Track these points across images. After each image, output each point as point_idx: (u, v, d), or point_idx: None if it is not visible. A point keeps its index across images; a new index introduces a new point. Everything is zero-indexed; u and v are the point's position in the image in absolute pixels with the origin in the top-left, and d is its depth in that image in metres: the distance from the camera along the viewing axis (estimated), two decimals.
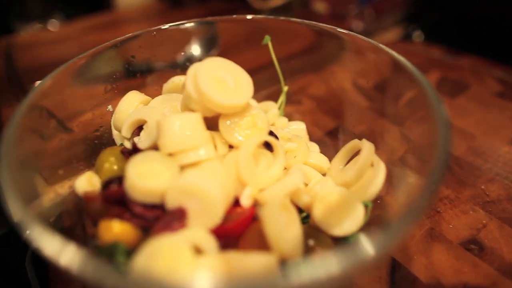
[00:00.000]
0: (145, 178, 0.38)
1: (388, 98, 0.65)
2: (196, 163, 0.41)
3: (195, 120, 0.41)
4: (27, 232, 0.28)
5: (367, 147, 0.46)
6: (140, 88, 0.60)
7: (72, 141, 0.48)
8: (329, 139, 0.65)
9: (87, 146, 0.50)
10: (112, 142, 0.53)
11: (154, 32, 0.61)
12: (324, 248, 0.40)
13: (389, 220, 0.45)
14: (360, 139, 0.59)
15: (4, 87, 0.89)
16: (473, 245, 0.51)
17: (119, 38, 0.59)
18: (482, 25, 1.00)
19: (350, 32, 0.57)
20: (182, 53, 0.73)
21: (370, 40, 0.55)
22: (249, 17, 0.70)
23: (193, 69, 0.43)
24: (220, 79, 0.42)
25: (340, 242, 0.42)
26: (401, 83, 0.52)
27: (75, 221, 0.42)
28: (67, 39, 1.10)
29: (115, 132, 0.53)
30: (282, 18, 0.64)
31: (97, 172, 0.46)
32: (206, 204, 0.36)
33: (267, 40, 0.57)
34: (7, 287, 0.60)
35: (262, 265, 0.33)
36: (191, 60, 0.75)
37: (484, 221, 0.54)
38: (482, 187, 0.59)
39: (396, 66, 0.49)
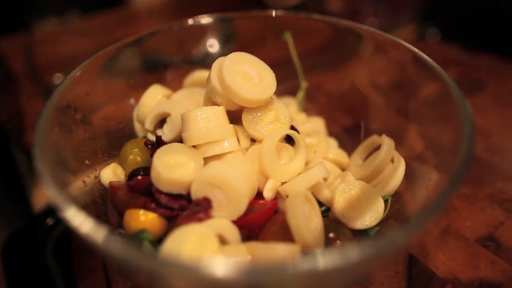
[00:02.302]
0: (171, 169, 0.39)
1: (407, 96, 0.65)
2: (219, 155, 0.42)
3: (220, 113, 0.42)
4: (65, 213, 0.29)
5: (387, 142, 0.46)
6: (159, 82, 0.61)
7: (96, 133, 0.49)
8: (346, 135, 0.65)
9: (110, 138, 0.51)
10: (134, 135, 0.55)
11: (175, 28, 0.62)
12: (344, 241, 0.40)
13: (407, 215, 0.46)
14: (379, 135, 0.59)
15: (25, 81, 0.91)
16: (489, 242, 0.51)
17: (140, 33, 0.60)
18: (499, 23, 1.00)
19: (370, 28, 0.58)
20: (200, 49, 0.73)
21: (390, 36, 0.55)
22: (268, 13, 0.71)
23: (218, 63, 0.44)
24: (244, 73, 0.43)
25: (360, 235, 0.43)
26: (421, 80, 0.52)
27: (99, 211, 0.44)
28: (85, 35, 1.12)
29: (137, 125, 0.54)
30: (302, 14, 0.64)
31: (121, 163, 0.47)
32: (231, 196, 0.37)
33: (288, 36, 0.58)
34: (29, 277, 0.62)
35: (286, 254, 0.34)
36: (208, 55, 0.76)
37: (501, 219, 0.54)
38: (500, 185, 0.59)
39: (417, 62, 0.50)
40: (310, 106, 0.72)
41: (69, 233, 0.66)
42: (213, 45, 0.75)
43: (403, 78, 0.66)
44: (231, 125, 0.43)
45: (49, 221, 0.67)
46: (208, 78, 0.44)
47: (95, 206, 0.43)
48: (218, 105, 0.44)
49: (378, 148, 0.53)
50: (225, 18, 0.69)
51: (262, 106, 0.44)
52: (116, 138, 0.52)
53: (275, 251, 0.34)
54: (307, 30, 0.69)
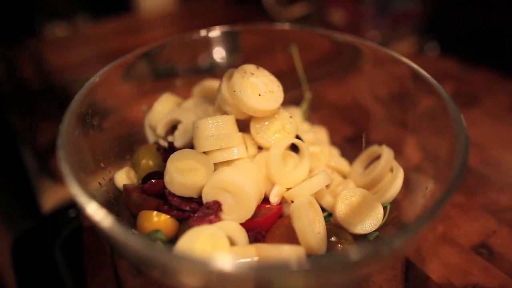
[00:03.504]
0: (183, 173, 0.41)
1: (405, 108, 0.68)
2: (229, 161, 0.44)
3: (229, 122, 0.45)
4: (87, 209, 0.31)
5: (386, 152, 0.49)
6: (168, 89, 0.63)
7: (110, 137, 0.51)
8: (347, 145, 0.68)
9: (123, 142, 0.54)
10: (145, 140, 0.57)
11: (186, 39, 0.64)
12: (345, 244, 0.43)
13: (404, 221, 0.48)
14: (379, 145, 0.62)
15: (35, 86, 0.93)
16: (483, 250, 0.53)
17: (153, 44, 0.62)
18: (497, 38, 1.03)
19: (370, 43, 0.60)
20: (207, 58, 0.76)
21: (389, 51, 0.58)
22: (272, 26, 0.74)
23: (228, 74, 0.47)
24: (253, 84, 0.45)
25: (360, 239, 0.45)
26: (419, 94, 0.55)
27: (113, 211, 0.46)
28: (94, 40, 1.15)
29: (148, 131, 0.56)
30: (305, 28, 0.67)
31: (134, 167, 0.50)
32: (240, 200, 0.40)
33: (293, 49, 0.61)
34: (39, 276, 0.64)
35: (291, 255, 0.37)
36: (215, 65, 0.79)
37: (494, 228, 0.57)
38: (493, 196, 0.62)
39: (415, 77, 0.52)
40: (313, 116, 0.74)
41: (77, 232, 0.68)
42: (219, 55, 0.77)
43: (401, 91, 0.69)
44: (240, 133, 0.46)
45: (58, 222, 0.69)
46: (219, 88, 0.47)
47: (110, 207, 0.45)
48: (228, 114, 0.46)
49: (378, 157, 0.56)
50: (232, 31, 0.71)
51: (270, 116, 0.47)
52: (129, 143, 0.54)
53: (281, 252, 0.37)
54: (309, 43, 0.72)
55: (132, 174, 0.49)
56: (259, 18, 1.32)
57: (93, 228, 0.57)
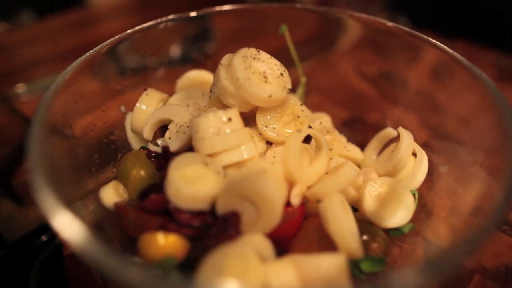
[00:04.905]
0: (191, 183, 0.34)
1: (396, 85, 0.64)
2: (239, 163, 0.37)
3: (234, 116, 0.38)
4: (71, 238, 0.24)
5: (406, 135, 0.44)
6: (140, 85, 0.55)
7: (88, 147, 0.43)
8: (345, 129, 0.63)
9: (104, 151, 0.45)
10: (127, 146, 0.49)
11: (150, 28, 0.56)
12: (380, 242, 0.38)
13: (432, 208, 0.45)
14: (376, 127, 0.58)
15: None
16: (506, 226, 0.51)
17: (116, 37, 0.53)
18: (470, 9, 1.02)
19: (352, 13, 0.56)
20: (177, 48, 0.68)
21: (373, 17, 0.54)
22: (248, 6, 0.67)
23: (226, 60, 0.40)
24: (257, 70, 0.39)
25: (392, 233, 0.40)
26: (415, 61, 0.52)
27: (105, 237, 0.38)
28: (42, 39, 1.02)
29: (130, 135, 0.48)
30: (285, 4, 0.61)
31: (122, 179, 0.42)
32: (265, 207, 0.33)
33: (284, 29, 0.54)
34: None
35: (333, 266, 0.31)
36: (187, 55, 0.71)
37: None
38: None
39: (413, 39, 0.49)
40: (304, 102, 0.69)
41: (53, 261, 0.59)
42: (190, 43, 0.70)
43: (388, 67, 0.65)
44: (247, 128, 0.39)
45: (30, 249, 0.60)
46: (216, 77, 0.40)
47: (99, 232, 0.38)
48: (229, 107, 0.40)
49: (391, 141, 0.51)
50: (201, 15, 0.63)
51: (277, 105, 0.40)
52: (110, 151, 0.46)
53: (322, 264, 0.31)
54: (287, 22, 0.65)
55: (121, 188, 0.41)
56: (226, 3, 1.24)
57: (76, 257, 0.48)
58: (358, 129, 0.65)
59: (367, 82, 0.70)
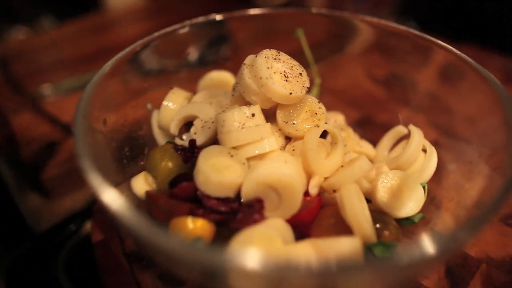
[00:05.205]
0: (218, 172, 0.38)
1: (408, 85, 0.67)
2: (262, 155, 0.41)
3: (257, 112, 0.41)
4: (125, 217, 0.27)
5: (416, 132, 0.47)
6: (162, 86, 0.59)
7: (120, 141, 0.46)
8: (357, 129, 0.66)
9: (133, 145, 0.49)
10: (153, 141, 0.52)
11: (171, 32, 0.59)
12: (392, 230, 0.41)
13: (441, 200, 0.47)
14: (386, 127, 0.61)
15: (6, 94, 0.85)
16: (511, 220, 0.53)
17: (140, 41, 0.56)
18: (477, 13, 1.05)
19: (364, 17, 0.59)
20: (196, 51, 0.72)
21: (385, 21, 0.56)
22: (265, 10, 0.70)
23: (249, 61, 0.43)
24: (278, 69, 0.42)
25: (403, 223, 0.43)
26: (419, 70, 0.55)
27: None
28: (62, 43, 1.06)
29: (157, 130, 0.51)
30: (295, 10, 0.64)
31: (151, 171, 0.45)
32: (287, 194, 0.36)
33: (300, 33, 0.58)
34: None
35: (350, 248, 0.34)
36: (204, 58, 0.74)
37: None
38: None
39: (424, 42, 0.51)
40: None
41: (81, 249, 0.62)
42: (208, 46, 0.73)
43: (398, 69, 0.68)
44: (269, 123, 0.42)
45: (58, 239, 0.63)
46: (240, 77, 0.43)
47: None
48: (252, 104, 0.43)
49: (401, 138, 0.54)
50: (218, 20, 0.66)
51: (297, 103, 0.44)
52: (139, 145, 0.50)
53: (340, 245, 0.34)
54: (300, 26, 0.68)
55: (150, 179, 0.44)
56: (238, 8, 1.28)
57: (105, 242, 0.52)
58: (369, 128, 0.67)
59: (378, 83, 0.73)
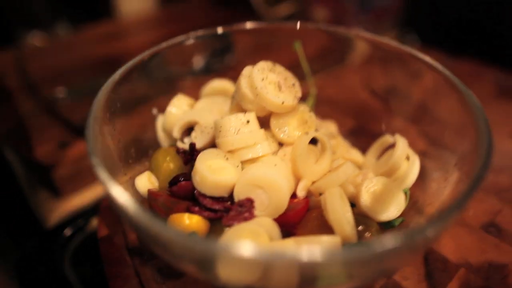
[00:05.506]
0: (214, 173, 0.41)
1: (401, 97, 0.70)
2: (255, 159, 0.44)
3: (252, 119, 0.45)
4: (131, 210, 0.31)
5: (401, 141, 0.51)
6: (168, 93, 0.63)
7: (127, 142, 0.50)
8: (351, 137, 0.70)
9: (138, 146, 0.53)
10: (156, 144, 0.56)
11: (180, 42, 0.63)
12: (373, 232, 0.44)
13: (423, 206, 0.50)
14: (378, 136, 0.64)
15: (22, 96, 0.90)
16: (492, 228, 0.56)
17: (151, 50, 0.60)
18: (476, 28, 1.08)
19: (361, 33, 0.62)
20: (201, 60, 0.76)
21: (379, 37, 0.60)
22: (266, 24, 0.75)
23: (246, 72, 0.47)
24: (273, 80, 0.46)
25: (385, 226, 0.46)
26: (414, 83, 0.58)
27: None
28: (76, 48, 1.12)
29: (161, 134, 0.55)
30: (296, 23, 0.68)
31: (154, 171, 0.49)
32: (274, 195, 0.40)
33: (297, 46, 0.62)
34: None
35: (329, 245, 0.37)
36: (209, 66, 0.78)
37: (498, 207, 0.60)
38: (493, 178, 0.65)
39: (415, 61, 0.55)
40: (314, 111, 0.76)
41: (88, 244, 0.66)
42: (213, 55, 0.77)
43: (394, 81, 0.71)
44: (263, 129, 0.46)
45: (65, 234, 0.67)
46: (237, 86, 0.47)
47: None
48: (248, 111, 0.47)
49: (389, 147, 0.57)
50: (224, 32, 0.70)
51: (289, 111, 0.47)
52: (143, 147, 0.54)
53: (320, 242, 0.37)
54: (301, 40, 0.72)
55: (153, 178, 0.48)
56: (245, 19, 1.33)
57: (110, 237, 0.56)
58: (363, 137, 0.71)
59: (373, 95, 0.76)
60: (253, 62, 0.51)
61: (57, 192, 0.73)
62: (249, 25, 0.68)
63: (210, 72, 0.76)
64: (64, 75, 0.98)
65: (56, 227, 0.69)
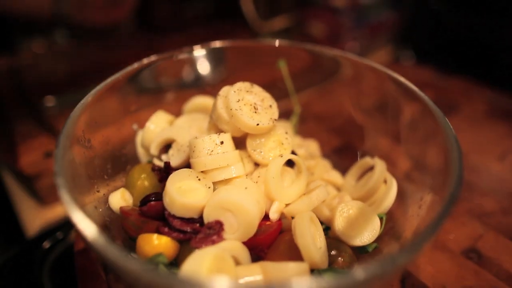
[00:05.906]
0: (183, 194, 0.41)
1: (389, 118, 0.70)
2: (227, 180, 0.44)
3: (226, 140, 0.45)
4: (88, 236, 0.31)
5: (379, 164, 0.50)
6: (155, 106, 0.63)
7: (102, 158, 0.50)
8: (336, 156, 0.69)
9: (116, 162, 0.53)
10: (136, 159, 0.56)
11: (174, 56, 0.64)
12: (345, 257, 0.43)
13: (400, 232, 0.50)
14: (363, 155, 0.63)
15: (13, 103, 0.90)
16: (472, 254, 0.55)
17: (141, 63, 0.60)
18: (471, 47, 1.08)
19: (348, 55, 0.62)
20: (192, 73, 0.76)
21: (370, 61, 0.60)
22: (255, 42, 0.75)
23: (224, 92, 0.47)
24: (249, 102, 0.46)
25: (358, 251, 0.46)
26: (402, 102, 0.57)
27: (109, 235, 0.45)
28: (72, 57, 1.12)
29: (140, 150, 0.55)
30: (286, 42, 0.68)
31: (129, 188, 0.49)
32: (243, 219, 0.40)
33: (282, 64, 0.62)
34: None
35: (296, 272, 0.37)
36: (199, 79, 0.78)
37: (480, 232, 0.59)
38: (477, 201, 0.64)
39: (398, 86, 0.54)
40: (299, 128, 0.76)
41: (66, 256, 0.66)
42: (204, 69, 0.77)
43: (384, 101, 0.71)
44: (237, 151, 0.46)
45: (45, 245, 0.67)
46: (214, 106, 0.47)
47: (106, 230, 0.44)
48: (224, 132, 0.47)
49: (370, 169, 0.57)
50: (216, 48, 0.71)
51: (265, 133, 0.47)
52: (121, 163, 0.54)
53: (286, 270, 0.37)
54: (290, 55, 0.72)
55: (127, 195, 0.48)
56: (239, 32, 1.33)
57: (86, 251, 0.55)
58: (348, 156, 0.70)
59: (361, 113, 0.76)
60: (245, 75, 0.51)
61: (41, 200, 0.73)
62: (237, 42, 0.69)
63: (197, 85, 0.76)
64: (57, 83, 0.98)
65: (37, 237, 0.69)
